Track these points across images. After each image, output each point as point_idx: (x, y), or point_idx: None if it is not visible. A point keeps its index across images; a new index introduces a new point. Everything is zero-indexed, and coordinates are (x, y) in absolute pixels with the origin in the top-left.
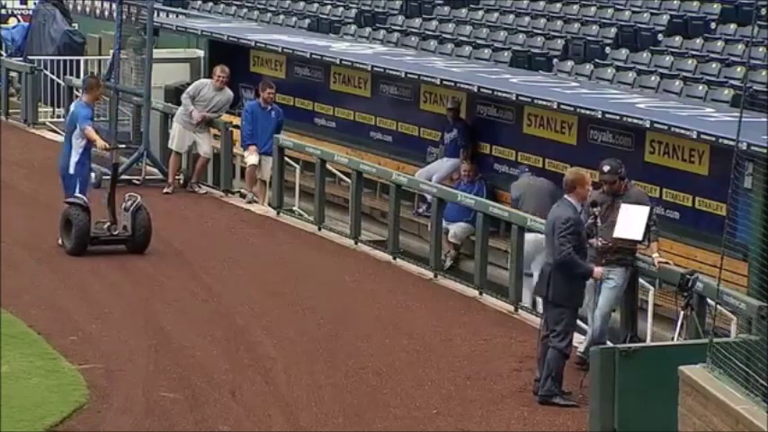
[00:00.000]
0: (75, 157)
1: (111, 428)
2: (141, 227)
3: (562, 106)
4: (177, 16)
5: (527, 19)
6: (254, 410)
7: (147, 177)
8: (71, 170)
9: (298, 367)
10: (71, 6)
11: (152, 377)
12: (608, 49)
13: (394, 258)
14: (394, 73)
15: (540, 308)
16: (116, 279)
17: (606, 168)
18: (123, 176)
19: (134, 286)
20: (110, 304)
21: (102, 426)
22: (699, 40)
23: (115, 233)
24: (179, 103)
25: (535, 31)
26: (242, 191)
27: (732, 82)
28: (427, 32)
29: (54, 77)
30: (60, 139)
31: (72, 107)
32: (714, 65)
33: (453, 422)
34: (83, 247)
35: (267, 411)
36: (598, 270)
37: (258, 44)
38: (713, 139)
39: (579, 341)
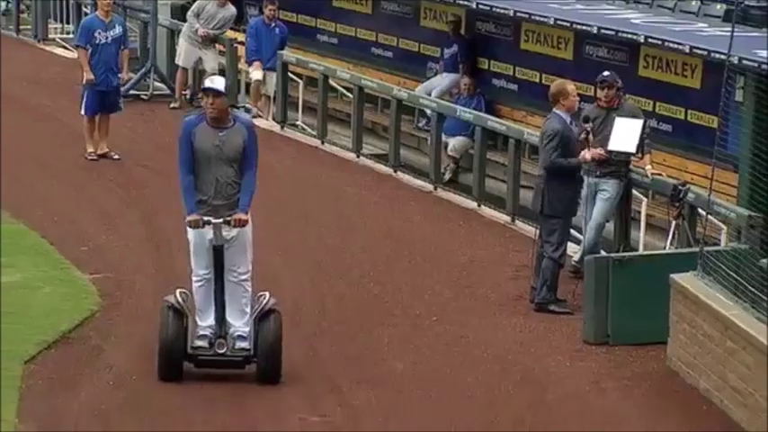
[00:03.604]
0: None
1: (122, 335)
2: (266, 345)
3: (558, 22)
4: None
5: None
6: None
7: (154, 93)
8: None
9: (301, 278)
10: None
11: (160, 287)
12: None
13: (395, 171)
14: None
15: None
16: (126, 193)
17: (607, 73)
18: (132, 92)
19: (143, 200)
20: (119, 217)
21: (113, 332)
22: None
23: (221, 351)
24: (185, 20)
25: None
26: (247, 106)
27: None
28: None
29: None
30: (69, 55)
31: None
32: None
33: (452, 329)
34: (174, 370)
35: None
36: (588, 154)
37: None
38: (705, 53)
39: (574, 251)
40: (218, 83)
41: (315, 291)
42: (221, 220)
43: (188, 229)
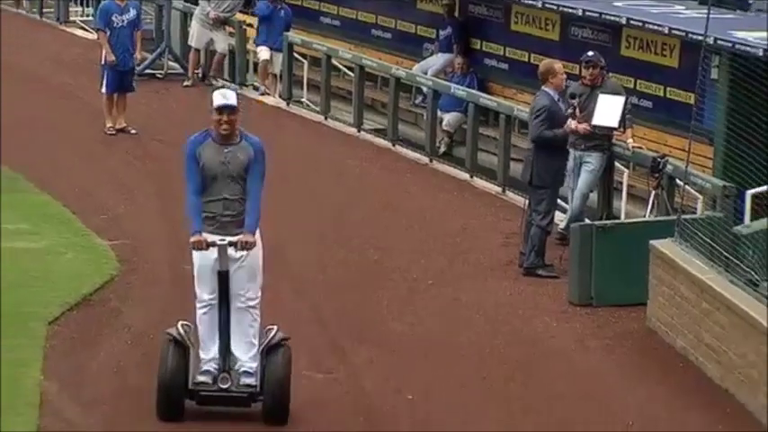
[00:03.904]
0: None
1: (139, 298)
2: (274, 382)
3: (546, 5)
4: None
5: None
6: (268, 284)
7: (168, 72)
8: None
9: (306, 246)
10: None
11: (175, 253)
12: None
13: (393, 145)
14: None
15: None
16: (142, 165)
17: (591, 53)
18: (147, 71)
19: (159, 172)
20: (136, 188)
21: (130, 295)
22: None
23: (225, 386)
24: (197, 4)
25: None
26: (255, 84)
27: None
28: None
29: None
30: (90, 36)
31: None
32: None
33: (447, 291)
34: (174, 408)
35: (279, 285)
36: (573, 124)
37: None
38: (683, 34)
39: (560, 219)
40: (231, 98)
41: (318, 257)
42: (227, 241)
43: (192, 251)
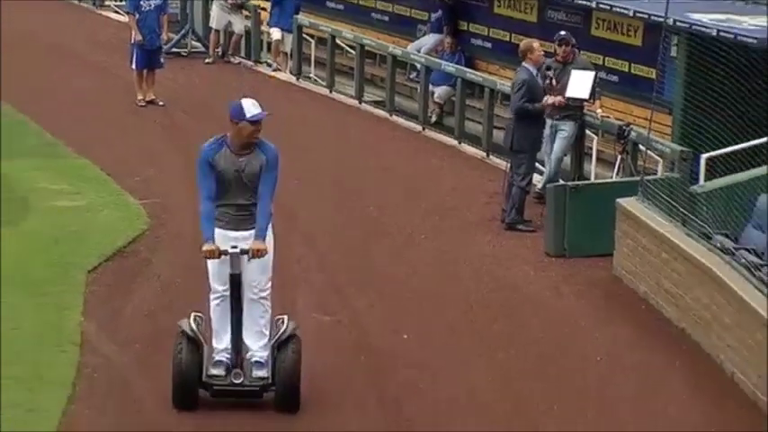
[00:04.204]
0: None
1: (167, 249)
2: (285, 373)
3: None
4: None
5: None
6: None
7: (192, 50)
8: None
9: (311, 205)
10: None
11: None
12: None
13: (390, 115)
14: None
15: None
16: (168, 134)
17: (563, 33)
18: (172, 49)
19: (183, 139)
20: (163, 153)
21: (159, 247)
22: None
23: (238, 381)
24: None
25: None
26: (268, 61)
27: None
28: None
29: None
30: (122, 19)
31: None
32: None
33: (438, 244)
34: (189, 398)
35: (290, 239)
36: (550, 99)
37: None
38: (646, 16)
39: (538, 180)
40: (261, 111)
41: (324, 213)
42: (238, 250)
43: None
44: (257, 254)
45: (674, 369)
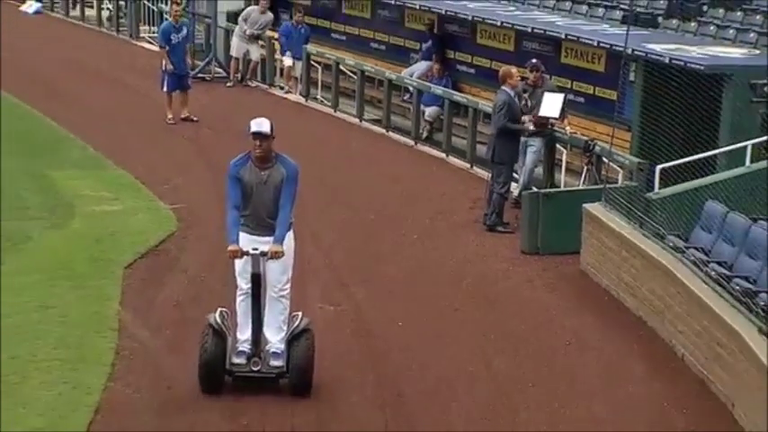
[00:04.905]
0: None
1: (193, 249)
2: (299, 363)
3: (503, 24)
4: None
5: None
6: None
7: (215, 75)
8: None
9: (320, 207)
10: None
11: (221, 214)
12: None
13: (387, 131)
14: (386, 1)
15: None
16: (195, 147)
17: (534, 60)
18: (199, 75)
19: (208, 153)
20: (190, 164)
21: (187, 247)
22: None
23: (256, 369)
24: (237, 23)
25: None
26: (281, 84)
27: (622, 6)
28: None
29: (150, 5)
30: (154, 48)
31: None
32: None
33: (429, 244)
34: (215, 383)
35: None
36: (530, 126)
37: None
38: (608, 46)
39: (515, 188)
40: (264, 126)
41: (329, 216)
42: (259, 251)
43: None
44: (275, 255)
45: (633, 352)
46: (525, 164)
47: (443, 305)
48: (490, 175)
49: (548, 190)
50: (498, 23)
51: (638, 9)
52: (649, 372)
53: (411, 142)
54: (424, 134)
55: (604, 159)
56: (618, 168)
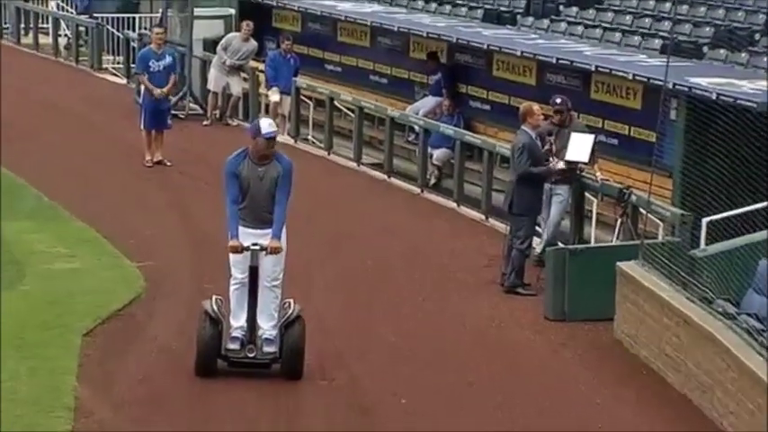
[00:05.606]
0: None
1: (163, 313)
2: (291, 348)
3: (524, 54)
4: None
5: None
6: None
7: (189, 112)
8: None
9: (311, 265)
10: None
11: (196, 273)
12: (561, 7)
13: (388, 177)
14: (388, 27)
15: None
16: (166, 194)
17: (559, 99)
18: (171, 111)
19: (181, 200)
20: (161, 214)
21: (155, 310)
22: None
23: (251, 355)
24: (215, 53)
25: None
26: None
27: (661, 34)
28: None
29: (114, 31)
30: (120, 81)
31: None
32: (647, 20)
33: (437, 307)
34: (209, 368)
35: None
36: (559, 165)
37: (279, 3)
38: (646, 79)
39: (537, 243)
40: (275, 128)
41: (323, 272)
42: (258, 246)
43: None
44: (273, 251)
45: None
46: (550, 216)
47: (455, 379)
48: (509, 228)
49: (576, 246)
50: (518, 53)
51: (681, 37)
52: None
53: (417, 190)
54: (432, 180)
55: (641, 210)
56: (657, 221)
